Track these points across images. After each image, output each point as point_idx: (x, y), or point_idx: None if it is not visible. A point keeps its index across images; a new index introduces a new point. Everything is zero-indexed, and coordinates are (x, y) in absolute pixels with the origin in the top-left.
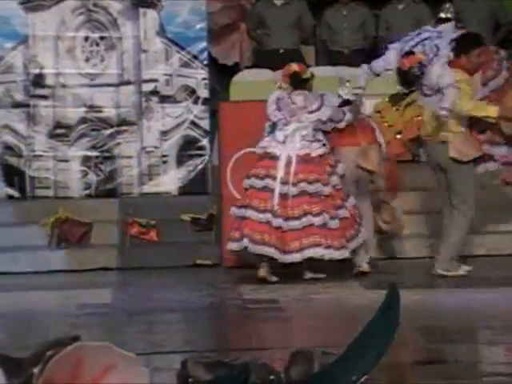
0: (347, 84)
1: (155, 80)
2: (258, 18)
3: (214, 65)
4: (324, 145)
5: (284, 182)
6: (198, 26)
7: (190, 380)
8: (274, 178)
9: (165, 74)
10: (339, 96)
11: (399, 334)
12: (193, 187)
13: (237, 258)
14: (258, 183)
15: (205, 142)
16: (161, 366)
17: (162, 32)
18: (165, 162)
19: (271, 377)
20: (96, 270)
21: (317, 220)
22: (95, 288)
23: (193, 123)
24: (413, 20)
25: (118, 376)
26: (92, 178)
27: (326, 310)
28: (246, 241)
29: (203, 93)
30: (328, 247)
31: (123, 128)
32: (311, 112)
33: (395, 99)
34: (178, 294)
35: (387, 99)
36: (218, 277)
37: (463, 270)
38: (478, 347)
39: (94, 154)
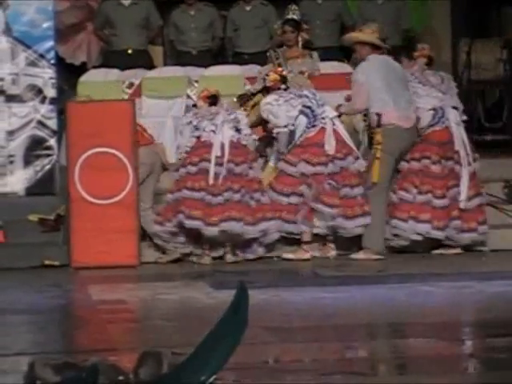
0: (195, 84)
1: (1, 79)
2: (105, 17)
3: (61, 64)
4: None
5: (218, 164)
6: (45, 25)
7: (38, 382)
8: (209, 161)
9: (11, 73)
10: (188, 97)
11: (248, 334)
12: (40, 187)
13: (84, 258)
14: (193, 169)
15: (52, 141)
16: (7, 368)
17: (7, 31)
18: (12, 162)
19: (120, 378)
20: None
21: (236, 196)
22: None
23: (40, 123)
24: (260, 21)
25: None
26: None
27: (174, 310)
28: (181, 216)
29: (50, 92)
30: (241, 220)
31: None
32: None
33: (243, 99)
34: (26, 295)
35: (235, 99)
36: (65, 278)
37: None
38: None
39: None
